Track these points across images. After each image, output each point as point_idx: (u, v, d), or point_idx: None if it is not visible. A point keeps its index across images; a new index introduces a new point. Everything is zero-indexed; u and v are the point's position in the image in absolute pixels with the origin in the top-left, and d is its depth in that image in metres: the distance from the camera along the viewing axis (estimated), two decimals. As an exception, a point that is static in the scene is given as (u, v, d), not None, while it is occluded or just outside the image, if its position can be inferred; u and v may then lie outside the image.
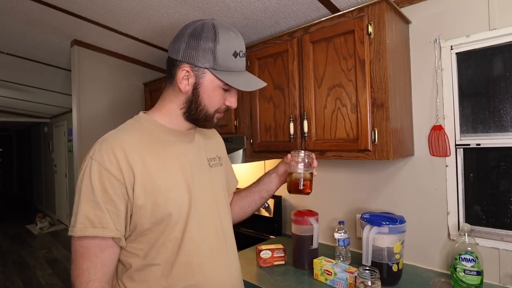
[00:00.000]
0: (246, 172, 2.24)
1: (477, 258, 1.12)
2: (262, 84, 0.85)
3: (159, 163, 0.79)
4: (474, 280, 1.12)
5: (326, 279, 1.27)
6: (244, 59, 0.82)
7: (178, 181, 0.80)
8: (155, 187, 0.76)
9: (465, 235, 1.16)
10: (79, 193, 0.74)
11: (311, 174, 0.98)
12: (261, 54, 1.64)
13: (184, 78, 0.79)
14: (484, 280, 1.15)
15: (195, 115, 0.83)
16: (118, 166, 0.73)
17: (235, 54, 0.79)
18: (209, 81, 0.79)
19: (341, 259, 1.45)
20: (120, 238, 0.75)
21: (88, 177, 0.73)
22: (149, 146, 0.79)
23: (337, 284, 1.22)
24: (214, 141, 1.03)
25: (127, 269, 0.79)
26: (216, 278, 0.83)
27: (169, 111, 0.84)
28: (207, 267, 0.81)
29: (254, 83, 0.84)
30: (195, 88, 0.80)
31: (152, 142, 0.81)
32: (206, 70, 0.78)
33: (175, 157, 0.83)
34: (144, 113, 0.87)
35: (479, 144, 1.29)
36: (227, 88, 0.81)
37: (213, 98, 0.81)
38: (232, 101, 0.84)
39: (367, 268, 1.09)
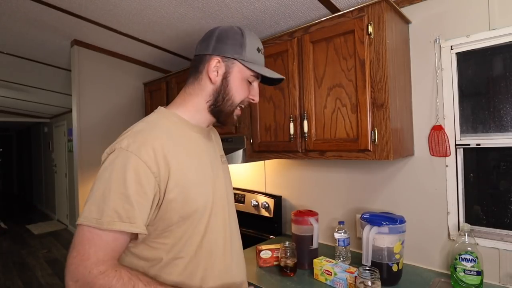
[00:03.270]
0: (246, 172, 2.24)
1: (477, 258, 1.12)
2: (282, 76, 0.91)
3: (190, 158, 0.82)
4: (474, 280, 1.12)
5: (326, 279, 1.27)
6: (263, 56, 0.90)
7: (205, 176, 0.85)
8: (187, 181, 0.78)
9: (465, 235, 1.16)
10: (109, 184, 0.71)
11: None
12: (261, 54, 1.64)
13: (214, 69, 0.84)
14: (484, 280, 1.15)
15: (221, 106, 0.86)
16: (155, 160, 0.74)
17: (258, 50, 0.88)
18: (237, 70, 0.85)
19: (341, 259, 1.45)
20: (144, 234, 0.74)
21: (122, 168, 0.72)
22: (179, 141, 0.82)
23: (337, 284, 1.22)
24: (218, 139, 1.08)
25: (153, 265, 0.79)
26: (230, 268, 0.88)
27: (194, 105, 0.87)
28: (221, 258, 0.86)
29: (276, 74, 0.90)
30: (225, 77, 0.85)
31: (179, 137, 0.83)
32: (235, 60, 0.84)
33: (201, 152, 0.87)
34: (165, 108, 0.89)
35: (479, 144, 1.29)
36: (251, 80, 0.88)
37: (240, 89, 0.86)
38: (255, 94, 0.90)
39: (367, 268, 1.09)
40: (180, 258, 0.80)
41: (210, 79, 0.85)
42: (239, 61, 0.84)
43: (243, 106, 0.90)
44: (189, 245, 0.81)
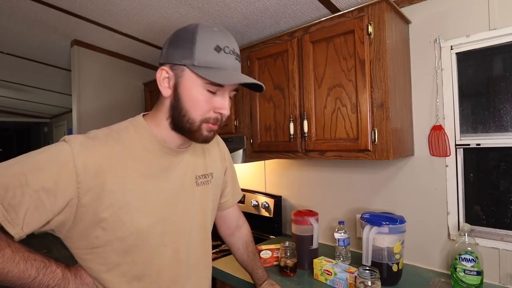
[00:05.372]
0: (246, 172, 2.24)
1: (477, 258, 1.12)
2: (248, 79, 0.71)
3: (141, 180, 0.73)
4: (474, 280, 1.12)
5: (326, 279, 1.27)
6: (233, 56, 0.71)
7: (152, 203, 0.74)
8: (125, 204, 0.70)
9: (465, 235, 1.16)
10: (25, 160, 0.63)
11: None
12: (261, 54, 1.64)
13: (164, 80, 0.72)
14: (484, 280, 1.15)
15: (179, 123, 0.73)
16: (87, 172, 0.65)
17: (218, 49, 0.69)
18: (188, 79, 0.70)
19: (341, 259, 1.45)
20: (16, 238, 0.62)
21: (49, 157, 0.64)
22: (134, 159, 0.73)
23: (337, 284, 1.22)
24: (212, 154, 0.95)
25: None
26: None
27: (158, 122, 0.76)
28: None
29: (237, 77, 0.71)
30: (175, 89, 0.72)
31: (138, 155, 0.73)
32: (184, 67, 0.70)
33: (162, 176, 0.77)
34: (144, 116, 0.80)
35: (479, 144, 1.29)
36: (213, 90, 0.71)
37: (196, 101, 0.71)
38: (221, 107, 0.72)
39: (367, 268, 1.09)
40: None
41: (162, 93, 0.73)
42: (188, 68, 0.69)
43: (213, 122, 0.74)
44: (121, 275, 0.72)
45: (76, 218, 0.66)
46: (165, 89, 0.73)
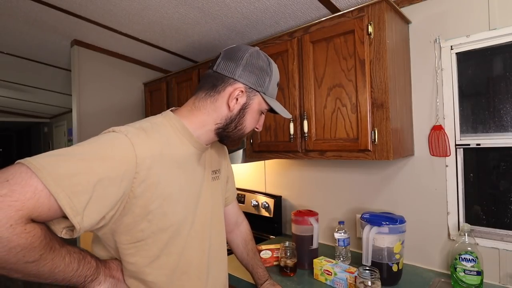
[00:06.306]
0: (246, 172, 2.24)
1: (477, 258, 1.12)
2: (290, 115, 0.94)
3: (179, 171, 0.77)
4: (474, 280, 1.12)
5: (326, 279, 1.27)
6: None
7: (189, 194, 0.80)
8: (168, 195, 0.73)
9: (465, 235, 1.16)
10: (80, 149, 0.62)
11: None
12: (261, 54, 1.64)
13: (235, 97, 0.81)
14: (484, 280, 1.15)
15: (231, 133, 0.84)
16: (146, 162, 0.67)
17: (277, 84, 0.89)
18: (257, 103, 0.84)
19: (341, 259, 1.45)
20: (77, 230, 0.58)
21: (110, 146, 0.64)
22: (175, 152, 0.76)
23: (337, 284, 1.22)
24: (220, 152, 1.01)
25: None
26: None
27: (202, 124, 0.82)
28: (197, 283, 0.84)
29: (285, 112, 0.91)
30: (243, 108, 0.83)
31: (177, 148, 0.77)
32: (257, 93, 0.83)
33: (192, 168, 0.82)
34: (173, 113, 0.83)
35: (479, 144, 1.29)
36: (264, 112, 0.88)
37: (254, 120, 0.86)
38: (261, 124, 0.91)
39: (367, 268, 1.09)
40: (149, 281, 0.75)
41: (228, 106, 0.81)
42: (260, 94, 0.83)
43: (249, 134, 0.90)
44: (158, 268, 0.76)
45: (124, 210, 0.68)
46: (234, 105, 0.82)
